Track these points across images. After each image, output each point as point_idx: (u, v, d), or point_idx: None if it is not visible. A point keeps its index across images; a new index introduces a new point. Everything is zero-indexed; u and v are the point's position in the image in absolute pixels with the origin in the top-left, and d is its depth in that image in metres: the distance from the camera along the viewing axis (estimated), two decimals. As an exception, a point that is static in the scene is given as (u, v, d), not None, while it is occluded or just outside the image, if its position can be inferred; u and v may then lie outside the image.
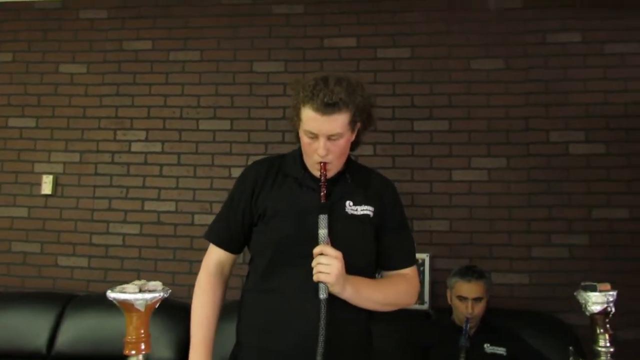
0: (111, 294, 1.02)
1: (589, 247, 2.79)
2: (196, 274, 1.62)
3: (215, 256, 1.62)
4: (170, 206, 3.05)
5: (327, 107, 1.39)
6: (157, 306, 1.05)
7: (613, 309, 1.25)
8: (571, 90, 2.90)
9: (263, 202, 1.53)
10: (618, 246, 2.77)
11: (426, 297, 2.79)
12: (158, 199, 3.06)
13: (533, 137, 2.89)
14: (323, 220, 1.41)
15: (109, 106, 3.17)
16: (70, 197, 3.12)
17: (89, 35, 3.24)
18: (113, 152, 3.13)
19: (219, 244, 1.61)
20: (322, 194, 1.44)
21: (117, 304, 1.02)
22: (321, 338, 1.33)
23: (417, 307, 2.77)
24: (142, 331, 1.03)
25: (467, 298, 2.27)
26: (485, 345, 2.22)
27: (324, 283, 1.36)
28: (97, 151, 3.14)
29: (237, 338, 1.58)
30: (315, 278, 1.37)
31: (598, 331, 1.24)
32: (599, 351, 1.24)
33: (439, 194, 2.91)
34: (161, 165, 3.09)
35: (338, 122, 1.42)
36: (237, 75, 3.11)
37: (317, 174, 1.50)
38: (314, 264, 1.38)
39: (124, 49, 3.21)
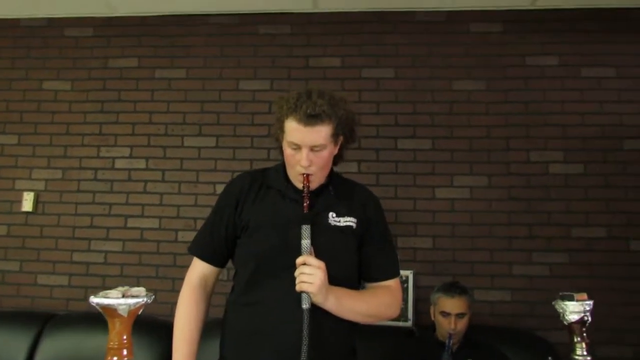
0: (94, 299, 1.01)
1: (569, 265, 2.84)
2: (179, 291, 1.60)
3: (198, 270, 1.61)
4: (154, 223, 3.03)
5: (310, 119, 1.43)
6: (140, 313, 1.05)
7: (589, 318, 1.28)
8: (550, 112, 2.98)
9: (246, 215, 1.54)
10: (596, 264, 2.82)
11: (410, 314, 2.80)
12: (141, 216, 3.04)
13: (513, 157, 2.95)
14: (306, 230, 1.41)
15: (93, 123, 3.16)
16: (51, 215, 3.08)
17: (73, 52, 3.25)
18: (96, 169, 3.11)
19: (203, 258, 1.61)
20: (305, 204, 1.45)
21: (100, 309, 1.02)
22: (304, 348, 1.34)
23: (401, 323, 2.78)
24: (125, 337, 1.02)
25: (450, 314, 2.28)
26: (468, 362, 2.24)
27: (307, 293, 1.36)
28: (80, 168, 3.12)
29: (220, 353, 1.57)
30: (297, 288, 1.37)
31: (575, 340, 1.28)
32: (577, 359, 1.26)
33: (422, 212, 2.94)
34: (145, 182, 3.07)
35: (321, 133, 1.45)
36: (222, 93, 3.13)
37: (300, 185, 1.51)
38: (296, 273, 1.38)
39: (109, 66, 3.22)
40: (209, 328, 1.61)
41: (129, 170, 3.09)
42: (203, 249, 1.62)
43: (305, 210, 1.44)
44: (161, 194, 3.06)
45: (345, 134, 1.55)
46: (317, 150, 1.47)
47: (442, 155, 2.98)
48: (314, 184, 1.52)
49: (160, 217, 3.03)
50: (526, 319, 2.79)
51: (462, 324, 2.28)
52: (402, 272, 2.80)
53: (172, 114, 3.13)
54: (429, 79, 3.05)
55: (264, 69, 3.13)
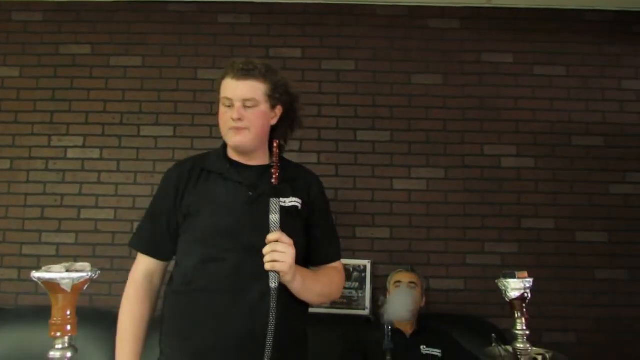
0: (36, 274, 0.98)
1: (519, 255, 2.95)
2: (135, 283, 1.56)
3: (142, 266, 1.55)
4: (109, 214, 2.95)
5: (243, 72, 1.46)
6: (85, 287, 1.02)
7: (529, 295, 1.34)
8: (503, 107, 3.07)
9: (187, 201, 1.49)
10: (544, 254, 2.95)
11: (367, 303, 2.85)
12: (96, 207, 2.95)
13: (468, 150, 3.04)
14: (275, 204, 1.37)
15: (43, 111, 3.03)
16: (-2, 206, 2.96)
17: (21, 38, 3.10)
18: (47, 159, 2.99)
19: (146, 252, 1.55)
20: (274, 176, 1.39)
21: (42, 284, 0.99)
22: (271, 328, 1.31)
23: (359, 312, 2.83)
24: (69, 313, 0.99)
25: (402, 281, 2.43)
26: (421, 347, 2.30)
27: (276, 272, 1.33)
28: (30, 157, 2.99)
29: (161, 348, 1.51)
30: (269, 267, 1.33)
31: (516, 315, 1.34)
32: (517, 334, 1.33)
33: (380, 202, 2.99)
34: (99, 172, 2.99)
35: (252, 87, 1.47)
36: (180, 82, 3.07)
37: (231, 140, 1.50)
38: (267, 250, 1.34)
39: (61, 53, 3.09)
40: (155, 323, 1.54)
41: (82, 160, 3.00)
42: (145, 243, 1.56)
43: (275, 182, 1.39)
44: (116, 185, 2.98)
45: (285, 105, 1.56)
46: (249, 107, 1.47)
47: (400, 147, 3.03)
48: (246, 139, 1.49)
49: (115, 208, 2.96)
50: (478, 306, 2.89)
51: (414, 295, 2.39)
52: (360, 262, 2.88)
53: (128, 103, 3.05)
54: (388, 72, 3.09)
55: (223, 59, 3.07)
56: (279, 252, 1.33)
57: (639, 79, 3.08)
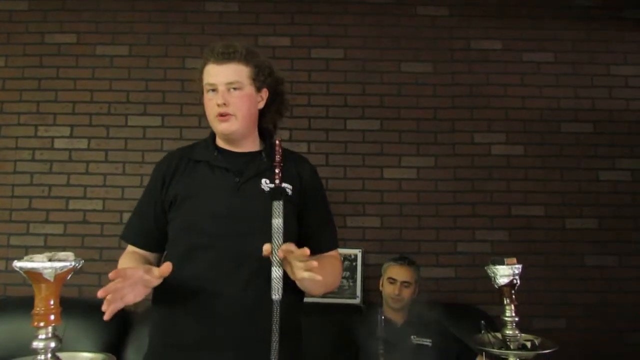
0: (18, 263, 0.96)
1: (509, 243, 2.96)
2: (125, 274, 1.55)
3: (134, 249, 1.53)
4: (97, 205, 2.93)
5: (223, 56, 1.43)
6: (68, 277, 1.00)
7: (518, 282, 1.34)
8: (493, 95, 3.07)
9: (173, 190, 1.47)
10: (534, 241, 2.96)
11: (358, 292, 2.86)
12: (84, 197, 2.93)
13: (459, 138, 3.03)
14: (277, 207, 1.28)
15: (29, 101, 3.00)
16: (-15, 197, 2.93)
17: (6, 27, 3.05)
18: (34, 149, 2.96)
19: (136, 243, 1.53)
20: (277, 176, 1.33)
21: (24, 274, 0.97)
22: (275, 338, 1.24)
23: (350, 301, 2.83)
24: (52, 302, 0.98)
25: (396, 280, 2.38)
26: (412, 337, 2.30)
27: (279, 281, 1.24)
28: (16, 148, 2.96)
29: (150, 337, 1.48)
30: (299, 278, 1.24)
31: (505, 302, 1.33)
32: (506, 321, 1.32)
33: (370, 191, 2.99)
34: (87, 162, 2.96)
35: (235, 70, 1.44)
36: (168, 72, 3.04)
37: (218, 128, 1.47)
38: (299, 265, 1.24)
39: (46, 42, 3.05)
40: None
41: (70, 150, 2.97)
42: (135, 235, 1.53)
43: (277, 182, 1.33)
44: (104, 175, 2.96)
45: (270, 87, 1.53)
46: (233, 90, 1.43)
47: (390, 136, 3.03)
48: (234, 126, 1.45)
49: (103, 199, 2.94)
50: (469, 294, 2.90)
51: (406, 293, 2.37)
52: (351, 251, 2.88)
53: (115, 92, 3.02)
54: (378, 61, 3.07)
55: (212, 48, 3.05)
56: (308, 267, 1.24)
57: (628, 65, 3.09)
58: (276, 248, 1.25)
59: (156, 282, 1.24)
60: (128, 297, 1.18)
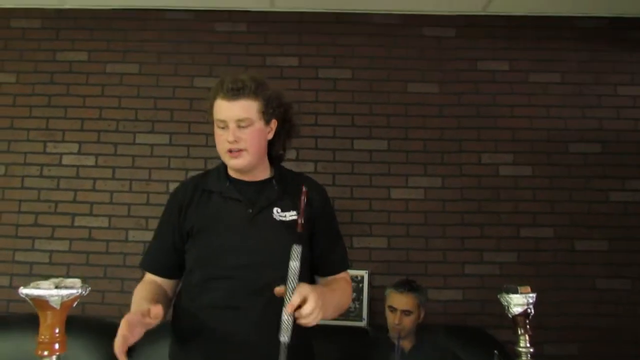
0: (24, 290, 0.95)
1: (517, 265, 2.91)
2: (129, 292, 1.53)
3: (152, 277, 1.55)
4: (103, 222, 2.92)
5: (233, 92, 1.44)
6: (74, 305, 0.99)
7: (532, 311, 1.30)
8: (499, 115, 3.07)
9: (189, 221, 1.51)
10: (543, 263, 2.91)
11: (364, 314, 2.81)
12: (90, 214, 2.93)
13: (466, 158, 3.02)
14: (296, 251, 1.28)
15: (39, 117, 3.03)
16: (-9, 212, 2.93)
17: (19, 44, 3.11)
18: (42, 165, 2.98)
19: (154, 270, 1.55)
20: (299, 222, 1.34)
21: (30, 301, 0.96)
22: None
23: (356, 323, 2.78)
24: (57, 330, 0.96)
25: (396, 309, 2.31)
26: (419, 361, 2.26)
27: (287, 322, 1.23)
28: (25, 164, 2.98)
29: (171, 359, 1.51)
30: (304, 322, 1.24)
31: (519, 332, 1.29)
32: (520, 351, 1.28)
33: (377, 212, 2.96)
34: (94, 179, 2.97)
35: (245, 106, 1.45)
36: (177, 90, 3.07)
37: (230, 163, 1.49)
38: (306, 314, 1.24)
39: (58, 59, 3.09)
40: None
41: (77, 167, 2.98)
42: (153, 262, 1.56)
43: (299, 230, 1.33)
44: (111, 192, 2.96)
45: (278, 117, 1.54)
46: (243, 126, 1.45)
47: (398, 156, 3.02)
48: (245, 161, 1.48)
49: (110, 216, 2.93)
50: (477, 317, 2.84)
51: (407, 321, 2.30)
52: (358, 272, 2.84)
53: (124, 110, 3.04)
54: (385, 81, 3.09)
55: (220, 67, 3.08)
56: (313, 315, 1.25)
57: (635, 85, 3.08)
58: (290, 290, 1.25)
59: (154, 322, 1.26)
60: (130, 340, 1.22)
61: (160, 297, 1.46)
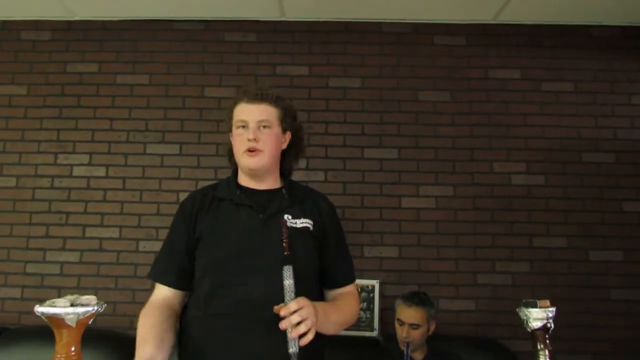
0: (39, 309, 0.94)
1: (530, 275, 2.88)
2: (139, 303, 1.53)
3: (161, 292, 1.53)
4: (114, 232, 2.92)
5: (257, 97, 1.54)
6: (90, 322, 0.98)
7: (552, 325, 1.28)
8: (512, 124, 3.04)
9: (200, 228, 1.52)
10: (557, 274, 2.88)
11: (376, 324, 2.78)
12: (101, 225, 2.93)
13: (477, 167, 2.99)
14: (288, 271, 1.34)
15: (50, 129, 3.04)
16: (3, 225, 2.94)
17: (30, 56, 3.12)
18: (53, 177, 2.99)
19: (165, 282, 1.53)
20: (284, 244, 1.39)
21: (46, 319, 0.95)
22: None
23: (367, 333, 2.76)
24: (73, 349, 0.96)
25: (404, 323, 2.30)
26: (433, 374, 2.24)
27: (296, 337, 1.26)
28: (36, 175, 2.99)
29: None
30: (294, 334, 1.26)
31: (539, 347, 1.28)
32: None
33: (388, 221, 2.94)
34: (105, 190, 2.97)
35: (267, 110, 1.54)
36: (187, 100, 3.07)
37: (246, 161, 1.52)
38: (288, 324, 1.27)
39: (68, 71, 3.10)
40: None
41: (88, 178, 2.98)
42: (164, 273, 1.54)
43: (286, 252, 1.38)
44: (122, 203, 2.96)
45: (292, 130, 1.62)
46: (264, 127, 1.52)
47: (408, 164, 3.00)
48: (261, 162, 1.53)
49: (120, 227, 2.93)
50: (490, 327, 2.81)
51: (415, 335, 2.28)
52: (369, 282, 2.82)
53: (134, 121, 3.04)
54: (395, 89, 3.07)
55: (230, 76, 3.08)
56: (304, 322, 1.28)
57: (649, 94, 3.05)
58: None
59: None
60: None
61: (166, 328, 1.42)
